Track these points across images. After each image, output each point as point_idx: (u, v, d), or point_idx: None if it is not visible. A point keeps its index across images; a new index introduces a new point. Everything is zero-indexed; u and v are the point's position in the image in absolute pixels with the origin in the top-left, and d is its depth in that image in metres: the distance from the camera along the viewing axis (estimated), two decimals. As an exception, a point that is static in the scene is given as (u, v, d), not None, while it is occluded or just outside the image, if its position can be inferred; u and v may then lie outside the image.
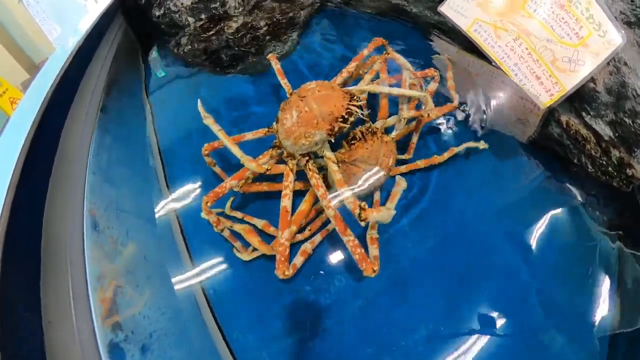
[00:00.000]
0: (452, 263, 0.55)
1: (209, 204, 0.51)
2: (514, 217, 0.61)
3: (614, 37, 0.60)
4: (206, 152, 0.60)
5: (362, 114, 0.53)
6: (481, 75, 0.77)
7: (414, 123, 0.64)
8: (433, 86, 0.66)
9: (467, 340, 0.47)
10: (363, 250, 0.48)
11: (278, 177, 0.58)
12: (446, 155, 0.61)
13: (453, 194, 0.62)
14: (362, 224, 0.46)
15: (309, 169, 0.54)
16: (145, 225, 0.61)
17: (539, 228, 0.58)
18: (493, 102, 0.74)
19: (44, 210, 0.49)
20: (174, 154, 0.71)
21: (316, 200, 0.55)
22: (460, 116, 0.73)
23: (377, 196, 0.58)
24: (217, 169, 0.63)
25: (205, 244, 0.57)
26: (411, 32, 0.92)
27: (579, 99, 0.66)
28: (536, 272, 0.55)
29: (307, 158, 0.54)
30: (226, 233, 0.54)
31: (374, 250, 0.50)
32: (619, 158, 0.61)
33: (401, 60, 0.62)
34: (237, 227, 0.54)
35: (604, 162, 0.63)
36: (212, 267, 0.54)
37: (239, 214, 0.57)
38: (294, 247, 0.52)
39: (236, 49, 0.88)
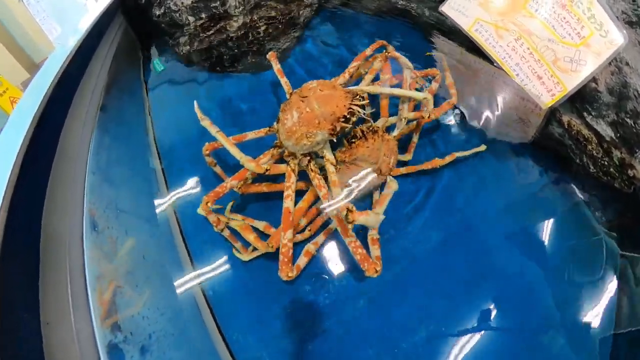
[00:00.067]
0: (453, 263, 0.55)
1: (209, 204, 0.51)
2: (515, 218, 0.61)
3: (615, 37, 0.60)
4: (207, 151, 0.60)
5: (364, 113, 0.53)
6: (482, 75, 0.77)
7: (414, 123, 0.64)
8: (434, 86, 0.66)
9: (468, 340, 0.47)
10: (365, 251, 0.47)
11: (278, 178, 0.57)
12: (447, 159, 0.61)
13: (454, 194, 0.62)
14: (349, 226, 0.46)
15: (311, 170, 0.53)
16: (144, 226, 0.61)
17: (540, 228, 0.58)
18: (494, 102, 0.74)
19: (42, 210, 0.49)
20: (174, 154, 0.71)
21: (316, 199, 0.55)
22: (460, 116, 0.73)
23: (376, 196, 0.57)
24: (218, 169, 0.63)
25: (205, 244, 0.57)
26: (412, 32, 0.92)
27: (581, 99, 0.65)
28: (537, 272, 0.55)
29: (309, 158, 0.54)
30: (226, 233, 0.54)
31: (375, 250, 0.50)
32: (621, 159, 0.61)
33: (402, 59, 0.62)
34: (234, 224, 0.54)
35: (606, 163, 0.63)
36: (212, 268, 0.54)
37: (239, 217, 0.57)
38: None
39: (236, 48, 0.87)
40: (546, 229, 0.58)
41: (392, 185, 0.49)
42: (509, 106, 0.73)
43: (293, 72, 0.82)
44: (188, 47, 0.86)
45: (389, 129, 0.62)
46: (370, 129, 0.56)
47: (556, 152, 0.68)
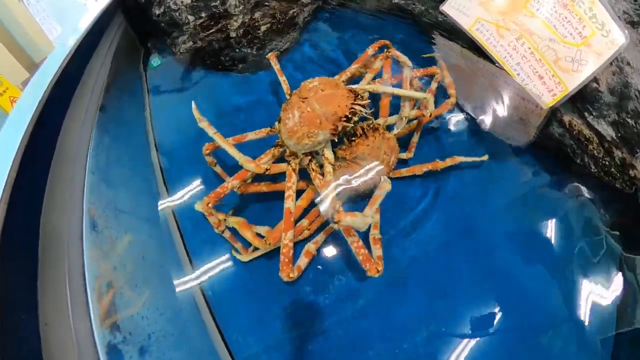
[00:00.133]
0: (454, 263, 0.55)
1: (210, 205, 0.51)
2: (515, 218, 0.61)
3: (617, 37, 0.60)
4: (207, 151, 0.60)
5: (365, 112, 0.53)
6: (483, 75, 0.77)
7: (414, 122, 0.64)
8: (434, 86, 0.66)
9: (469, 340, 0.47)
10: (367, 251, 0.47)
11: (278, 177, 0.57)
12: (448, 161, 0.61)
13: (454, 194, 0.62)
14: (336, 227, 0.45)
15: (312, 169, 0.53)
16: (144, 226, 0.60)
17: (541, 228, 0.58)
18: (495, 102, 0.74)
19: (41, 209, 0.49)
20: (174, 154, 0.71)
21: (316, 197, 0.54)
22: (461, 116, 0.72)
23: None
24: (218, 169, 0.63)
25: (205, 244, 0.56)
26: (412, 32, 0.92)
27: (582, 99, 0.65)
28: (537, 272, 0.55)
29: (310, 157, 0.54)
30: (227, 234, 0.54)
31: (377, 250, 0.50)
32: (622, 159, 0.61)
33: (402, 58, 0.62)
34: (232, 220, 0.53)
35: (607, 163, 0.63)
36: (211, 268, 0.54)
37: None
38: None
39: (236, 48, 0.87)
40: (547, 229, 0.58)
41: (385, 186, 0.46)
42: (510, 106, 0.73)
43: (293, 72, 0.82)
44: (188, 47, 0.86)
45: (389, 128, 0.62)
46: (371, 126, 0.56)
47: (557, 152, 0.68)
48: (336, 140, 0.54)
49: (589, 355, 0.49)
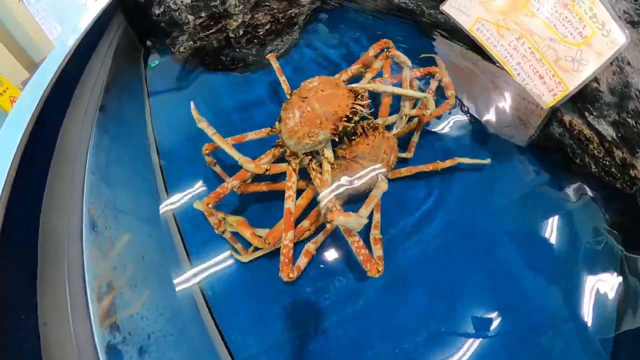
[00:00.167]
0: (454, 263, 0.55)
1: (210, 205, 0.51)
2: (515, 217, 0.61)
3: (617, 37, 0.60)
4: (207, 151, 0.60)
5: (366, 112, 0.53)
6: (483, 75, 0.77)
7: (414, 121, 0.63)
8: (434, 85, 0.66)
9: (469, 341, 0.47)
10: (367, 251, 0.47)
11: (278, 177, 0.57)
12: (448, 162, 0.60)
13: (454, 194, 0.62)
14: (329, 226, 0.45)
15: (312, 169, 0.53)
16: (143, 226, 0.60)
17: (541, 228, 0.58)
18: (495, 102, 0.74)
19: (41, 209, 0.49)
20: (173, 154, 0.71)
21: (316, 197, 0.54)
22: (461, 116, 0.72)
23: None
24: (218, 169, 0.63)
25: (204, 244, 0.56)
26: (413, 31, 0.92)
27: (582, 98, 0.65)
28: (537, 272, 0.54)
29: (310, 157, 0.54)
30: (227, 235, 0.54)
31: (377, 250, 0.49)
32: (622, 159, 0.61)
33: (402, 57, 0.62)
34: (230, 219, 0.53)
35: (607, 163, 0.63)
36: (211, 268, 0.54)
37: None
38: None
39: (237, 47, 0.87)
40: (547, 229, 0.58)
41: (382, 186, 0.46)
42: (510, 106, 0.73)
43: (293, 72, 0.82)
44: (188, 46, 0.86)
45: (389, 127, 0.62)
46: (371, 125, 0.56)
47: (557, 152, 0.68)
48: (337, 140, 0.54)
49: (589, 355, 0.49)
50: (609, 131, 0.62)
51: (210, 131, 0.55)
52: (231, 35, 0.85)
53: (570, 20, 0.63)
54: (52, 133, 0.58)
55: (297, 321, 0.49)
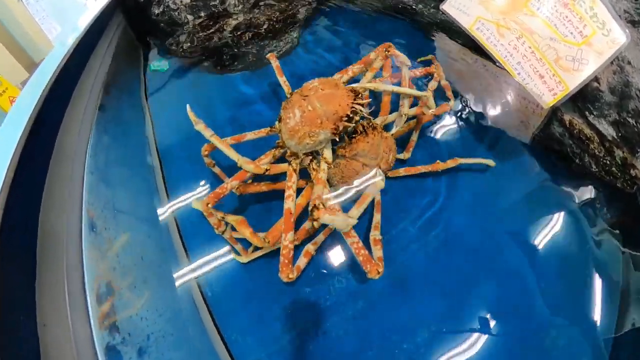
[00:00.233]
0: (454, 264, 0.55)
1: (210, 205, 0.50)
2: (516, 217, 0.60)
3: (618, 36, 0.60)
4: (206, 152, 0.60)
5: (366, 112, 0.53)
6: (483, 75, 0.77)
7: (413, 121, 0.63)
8: (433, 84, 0.66)
9: (469, 341, 0.47)
10: (367, 252, 0.47)
11: (278, 177, 0.57)
12: (449, 163, 0.60)
13: (454, 194, 0.61)
14: (315, 224, 0.45)
15: (313, 169, 0.53)
16: (143, 226, 0.60)
17: (541, 228, 0.58)
18: (495, 102, 0.74)
19: (40, 209, 0.48)
20: (173, 154, 0.71)
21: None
22: (461, 116, 0.72)
23: (377, 197, 0.57)
24: (217, 170, 0.62)
25: (204, 244, 0.56)
26: (413, 31, 0.92)
27: (582, 98, 0.65)
28: (538, 272, 0.54)
29: (311, 157, 0.54)
30: (227, 235, 0.54)
31: (377, 251, 0.49)
32: (623, 158, 0.61)
33: (401, 57, 0.62)
34: (230, 218, 0.53)
35: (608, 162, 0.63)
36: (211, 268, 0.54)
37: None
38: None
39: (236, 47, 0.87)
40: (547, 229, 0.58)
41: (378, 184, 0.47)
42: (510, 106, 0.73)
43: (293, 71, 0.82)
44: (187, 46, 0.86)
45: (388, 126, 0.62)
46: (370, 124, 0.56)
47: (557, 152, 0.68)
48: (337, 140, 0.54)
49: (589, 355, 0.49)
50: (609, 130, 0.62)
51: (207, 133, 0.54)
52: (230, 34, 0.85)
53: (571, 20, 0.62)
54: (51, 133, 0.58)
55: (297, 321, 0.49)
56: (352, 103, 0.52)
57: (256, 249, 0.53)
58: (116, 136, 0.71)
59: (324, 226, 0.55)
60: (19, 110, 0.53)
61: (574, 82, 0.63)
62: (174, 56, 0.91)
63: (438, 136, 0.70)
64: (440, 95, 0.70)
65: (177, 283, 0.52)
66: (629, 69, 0.61)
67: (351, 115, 0.51)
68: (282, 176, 0.55)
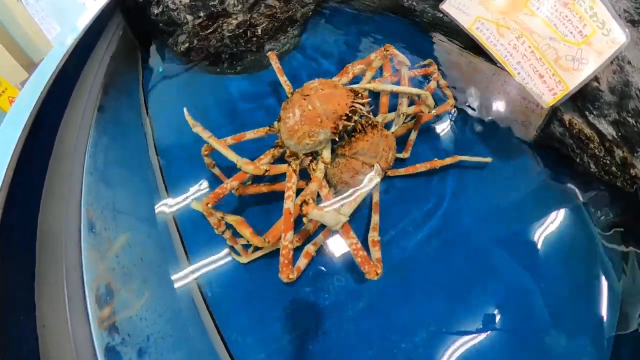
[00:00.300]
0: (454, 264, 0.55)
1: (209, 205, 0.50)
2: (516, 218, 0.60)
3: (617, 36, 0.60)
4: (206, 152, 0.60)
5: (366, 111, 0.53)
6: (483, 74, 0.77)
7: (412, 121, 0.63)
8: (432, 84, 0.66)
9: (469, 341, 0.47)
10: (365, 253, 0.47)
11: (277, 178, 0.57)
12: (448, 160, 0.60)
13: (454, 194, 0.61)
14: (305, 220, 0.45)
15: (313, 169, 0.53)
16: (142, 227, 0.60)
17: (542, 228, 0.58)
18: (495, 102, 0.74)
19: (39, 209, 0.48)
20: (173, 154, 0.71)
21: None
22: (460, 116, 0.72)
23: (376, 197, 0.57)
24: (217, 170, 0.62)
25: (204, 245, 0.56)
26: (412, 31, 0.92)
27: (582, 98, 0.65)
28: (538, 272, 0.54)
29: (311, 158, 0.54)
30: (227, 235, 0.54)
31: (376, 252, 0.49)
32: (623, 158, 0.61)
33: (400, 56, 0.62)
34: (229, 219, 0.53)
35: (607, 162, 0.63)
36: (211, 269, 0.54)
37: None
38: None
39: (235, 47, 0.87)
40: (547, 228, 0.58)
41: (375, 179, 0.47)
42: (510, 106, 0.73)
43: (293, 71, 0.82)
44: (187, 46, 0.86)
45: (387, 125, 0.62)
46: (370, 122, 0.56)
47: (557, 152, 0.68)
48: (337, 140, 0.54)
49: (590, 354, 0.49)
50: (609, 130, 0.62)
51: (205, 135, 0.54)
52: (230, 34, 0.85)
53: (571, 19, 0.62)
54: (51, 133, 0.58)
55: (297, 322, 0.49)
56: (352, 102, 0.52)
57: (256, 249, 0.53)
58: (115, 137, 0.71)
59: (323, 226, 0.55)
60: (18, 110, 0.53)
61: (573, 81, 0.63)
62: (173, 56, 0.91)
63: (438, 136, 0.70)
64: (439, 95, 0.70)
65: (177, 284, 0.52)
66: (629, 68, 0.60)
67: (350, 114, 0.51)
68: (281, 177, 0.55)
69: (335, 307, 0.50)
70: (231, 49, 0.87)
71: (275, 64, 0.70)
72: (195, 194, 0.63)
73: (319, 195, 0.54)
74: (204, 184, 0.64)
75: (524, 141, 0.70)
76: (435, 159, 0.60)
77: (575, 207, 0.62)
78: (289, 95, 0.59)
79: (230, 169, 0.61)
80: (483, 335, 0.48)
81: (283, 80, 0.67)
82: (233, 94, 0.82)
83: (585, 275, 0.54)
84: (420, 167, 0.60)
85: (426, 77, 0.74)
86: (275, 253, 0.51)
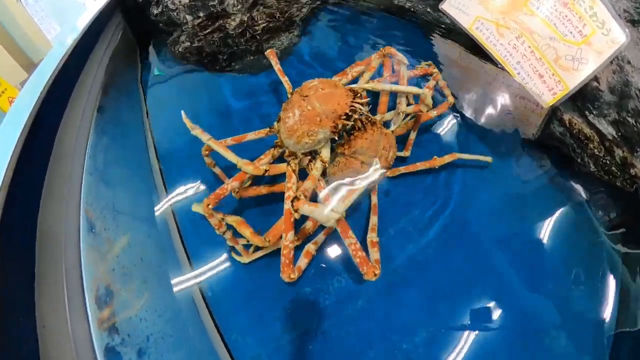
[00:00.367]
0: (454, 263, 0.55)
1: (210, 206, 0.50)
2: (516, 217, 0.60)
3: (617, 36, 0.60)
4: (206, 152, 0.60)
5: (365, 110, 0.53)
6: (482, 74, 0.77)
7: (412, 120, 0.63)
8: (431, 83, 0.66)
9: (469, 341, 0.47)
10: (364, 254, 0.47)
11: (277, 178, 0.57)
12: (447, 158, 0.60)
13: (454, 194, 0.61)
14: (296, 215, 0.45)
15: (311, 169, 0.53)
16: (142, 227, 0.60)
17: (541, 228, 0.58)
18: (495, 102, 0.74)
19: (39, 210, 0.48)
20: (172, 154, 0.71)
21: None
22: (460, 116, 0.72)
23: (374, 199, 0.56)
24: (217, 170, 0.62)
25: (204, 245, 0.56)
26: (412, 31, 0.92)
27: (582, 97, 0.65)
28: (538, 272, 0.54)
29: (310, 157, 0.54)
30: (228, 235, 0.53)
31: (374, 253, 0.49)
32: (623, 157, 0.61)
33: (399, 55, 0.62)
34: (230, 219, 0.53)
35: (607, 162, 0.63)
36: (211, 269, 0.54)
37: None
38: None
39: (235, 47, 0.87)
40: (547, 228, 0.58)
41: (372, 177, 0.47)
42: (510, 105, 0.73)
43: (292, 71, 0.82)
44: (186, 46, 0.86)
45: (386, 124, 0.62)
46: (369, 120, 0.56)
47: (557, 151, 0.68)
48: (336, 139, 0.54)
49: (590, 355, 0.49)
50: (609, 130, 0.62)
51: (205, 137, 0.54)
52: (229, 34, 0.85)
53: (570, 19, 0.62)
54: (50, 133, 0.58)
55: (297, 322, 0.49)
56: (351, 102, 0.52)
57: (257, 249, 0.53)
58: (115, 137, 0.71)
59: (323, 226, 0.55)
60: (18, 110, 0.53)
61: (573, 81, 0.63)
62: (173, 56, 0.91)
63: (438, 135, 0.70)
64: (439, 95, 0.70)
65: (177, 284, 0.52)
66: (629, 68, 0.61)
67: (350, 114, 0.51)
68: (281, 178, 0.55)
69: (335, 307, 0.50)
70: (231, 48, 0.87)
71: (275, 64, 0.70)
72: (195, 194, 0.63)
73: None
74: (204, 183, 0.64)
75: (524, 141, 0.70)
76: (435, 157, 0.60)
77: (575, 207, 0.62)
78: (289, 96, 0.59)
79: (231, 169, 0.62)
80: (483, 335, 0.48)
81: (284, 80, 0.67)
82: (233, 94, 0.82)
83: (585, 275, 0.54)
84: (420, 166, 0.60)
85: (425, 77, 0.74)
86: (276, 253, 0.51)
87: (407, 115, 0.63)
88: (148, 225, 0.59)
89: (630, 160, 0.60)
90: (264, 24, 0.86)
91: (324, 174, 0.54)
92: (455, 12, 0.73)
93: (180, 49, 0.87)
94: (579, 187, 0.64)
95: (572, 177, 0.65)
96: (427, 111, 0.61)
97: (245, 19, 0.84)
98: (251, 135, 0.59)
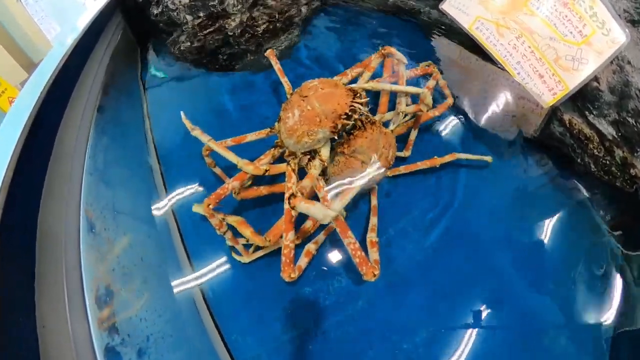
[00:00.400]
0: (454, 263, 0.55)
1: (210, 206, 0.50)
2: (516, 217, 0.60)
3: (617, 36, 0.60)
4: (206, 152, 0.60)
5: (364, 110, 0.53)
6: (482, 74, 0.77)
7: (412, 120, 0.63)
8: (431, 83, 0.66)
9: (469, 341, 0.47)
10: (364, 254, 0.47)
11: (277, 178, 0.57)
12: (447, 157, 0.60)
13: (454, 194, 0.61)
14: (293, 213, 0.45)
15: (309, 167, 0.53)
16: (142, 227, 0.60)
17: (541, 228, 0.58)
18: (494, 102, 0.74)
19: (39, 210, 0.48)
20: (173, 154, 0.71)
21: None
22: (460, 116, 0.72)
23: (374, 201, 0.56)
24: (218, 170, 0.62)
25: (204, 245, 0.56)
26: (412, 31, 0.92)
27: (582, 97, 0.65)
28: (538, 272, 0.54)
29: (309, 157, 0.54)
30: (228, 235, 0.54)
31: (374, 253, 0.49)
32: (623, 158, 0.61)
33: (398, 55, 0.62)
34: (230, 219, 0.53)
35: (607, 162, 0.63)
36: (211, 269, 0.54)
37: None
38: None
39: (235, 47, 0.87)
40: (547, 228, 0.58)
41: (370, 175, 0.47)
42: (510, 105, 0.73)
43: (292, 71, 0.82)
44: (186, 46, 0.86)
45: (386, 124, 0.62)
46: (368, 119, 0.56)
47: (557, 152, 0.68)
48: (336, 138, 0.54)
49: (590, 355, 0.49)
50: (609, 130, 0.62)
51: (204, 138, 0.54)
52: (229, 34, 0.85)
53: (570, 19, 0.62)
54: (50, 133, 0.58)
55: (297, 321, 0.49)
56: (351, 102, 0.52)
57: (257, 249, 0.53)
58: (115, 137, 0.71)
59: (323, 226, 0.55)
60: (18, 110, 0.53)
61: (573, 81, 0.63)
62: (173, 57, 0.91)
63: (437, 135, 0.70)
64: (439, 95, 0.70)
65: (177, 285, 0.52)
66: (629, 68, 0.61)
67: (350, 114, 0.51)
68: (281, 178, 0.55)
69: (335, 307, 0.50)
70: (231, 48, 0.87)
71: (275, 64, 0.70)
72: (195, 193, 0.63)
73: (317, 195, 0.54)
74: (204, 183, 0.64)
75: (524, 141, 0.70)
76: (435, 157, 0.60)
77: (575, 208, 0.62)
78: (289, 96, 0.59)
79: (231, 168, 0.62)
80: (482, 335, 0.48)
81: (284, 80, 0.67)
82: (233, 94, 0.82)
83: (585, 275, 0.55)
84: (421, 165, 0.60)
85: (425, 77, 0.74)
86: (276, 253, 0.51)
87: (407, 115, 0.63)
88: (148, 225, 0.59)
89: (630, 160, 0.60)
90: (264, 24, 0.86)
91: (324, 173, 0.54)
92: (455, 12, 0.73)
93: (180, 49, 0.87)
94: (578, 187, 0.64)
95: (572, 177, 0.66)
96: (427, 111, 0.61)
97: (245, 19, 0.84)
98: (251, 136, 0.59)
